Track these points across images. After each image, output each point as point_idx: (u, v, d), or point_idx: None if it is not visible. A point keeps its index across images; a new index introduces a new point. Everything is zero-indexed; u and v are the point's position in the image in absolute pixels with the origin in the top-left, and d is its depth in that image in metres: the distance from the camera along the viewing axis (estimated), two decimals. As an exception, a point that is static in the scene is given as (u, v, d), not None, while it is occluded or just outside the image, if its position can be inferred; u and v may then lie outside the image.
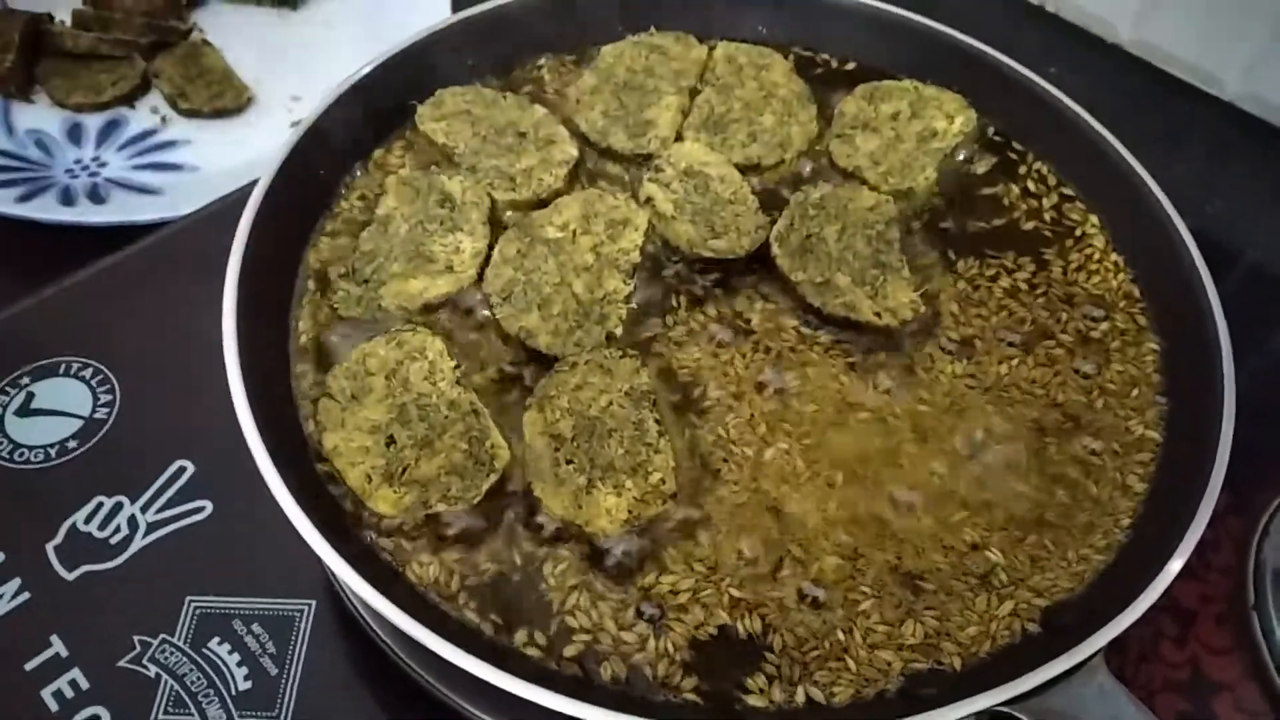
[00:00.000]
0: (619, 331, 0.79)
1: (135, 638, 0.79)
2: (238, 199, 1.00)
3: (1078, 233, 0.91)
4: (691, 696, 0.66)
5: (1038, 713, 0.61)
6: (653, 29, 1.02)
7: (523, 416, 0.74)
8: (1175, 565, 0.66)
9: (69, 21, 1.29)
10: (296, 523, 0.64)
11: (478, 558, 0.70)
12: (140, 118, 1.24)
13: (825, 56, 1.04)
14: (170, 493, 0.86)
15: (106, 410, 0.91)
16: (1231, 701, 0.79)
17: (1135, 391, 0.81)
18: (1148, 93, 1.33)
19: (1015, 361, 0.82)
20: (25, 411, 0.91)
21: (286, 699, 0.77)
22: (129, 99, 1.25)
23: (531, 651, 0.67)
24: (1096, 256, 0.89)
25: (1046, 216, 0.92)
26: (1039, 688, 0.61)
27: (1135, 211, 0.89)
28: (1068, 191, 0.94)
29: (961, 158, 0.96)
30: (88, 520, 0.85)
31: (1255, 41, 1.24)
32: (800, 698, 0.65)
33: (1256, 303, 1.07)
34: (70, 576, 0.82)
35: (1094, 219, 0.92)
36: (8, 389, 0.92)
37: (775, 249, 0.85)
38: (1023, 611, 0.70)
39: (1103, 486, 0.76)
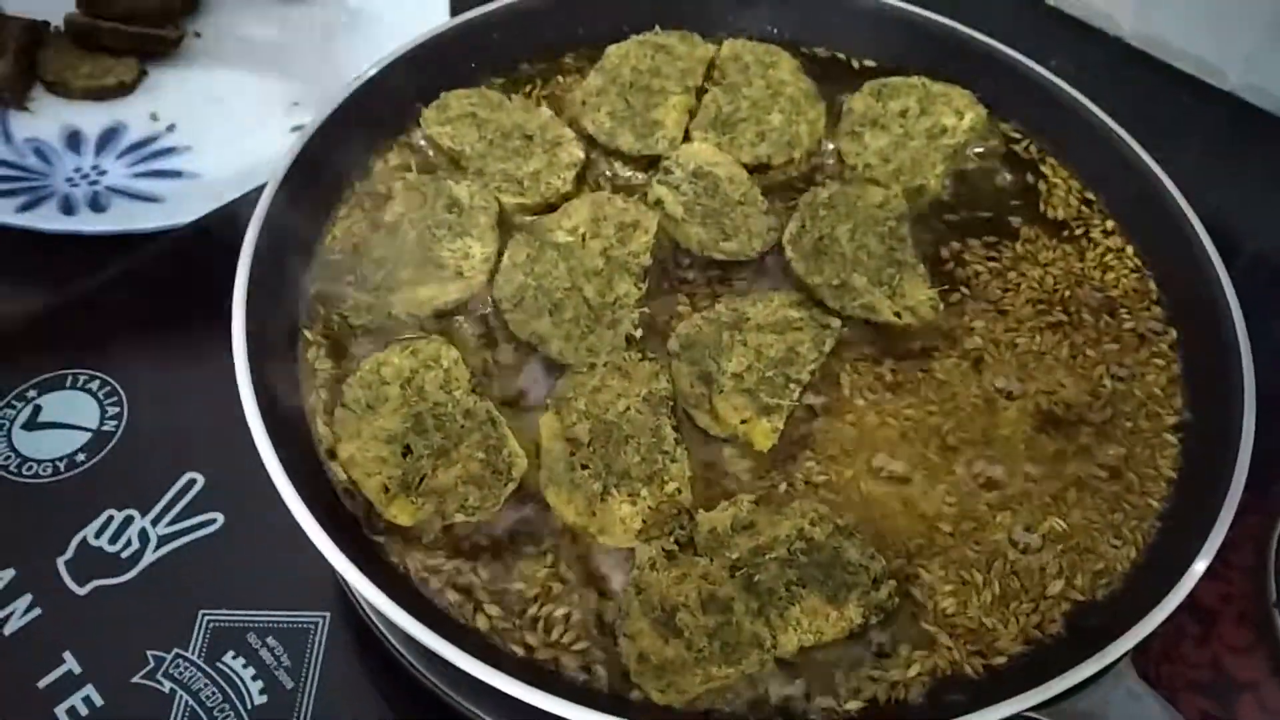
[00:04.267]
0: (639, 334, 0.79)
1: (149, 653, 0.78)
2: (240, 206, 0.99)
3: (1092, 229, 0.91)
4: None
5: (1066, 716, 0.61)
6: (657, 28, 1.02)
7: (540, 419, 0.74)
8: (1200, 565, 0.66)
9: (63, 27, 1.28)
10: (310, 533, 0.63)
11: (494, 566, 0.69)
12: (140, 125, 1.22)
13: (832, 53, 1.03)
14: (181, 505, 0.85)
15: (115, 423, 0.90)
16: (1255, 701, 0.79)
17: (1155, 391, 0.80)
18: (1149, 85, 1.32)
19: (1032, 365, 0.81)
20: (33, 425, 0.90)
21: (303, 712, 0.76)
22: (130, 88, 1.24)
23: (545, 656, 0.66)
24: (1112, 254, 0.89)
25: (1061, 213, 0.92)
26: (1068, 691, 0.61)
27: (1147, 205, 0.88)
28: (1080, 186, 0.93)
29: (974, 153, 0.95)
30: (98, 534, 0.84)
31: (1255, 33, 1.24)
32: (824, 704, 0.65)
33: (1261, 293, 1.07)
34: (82, 591, 0.81)
35: (1108, 215, 0.91)
36: (14, 403, 0.91)
37: (789, 252, 0.84)
38: (1047, 614, 0.69)
39: (1124, 488, 0.75)
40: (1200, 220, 0.85)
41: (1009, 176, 0.94)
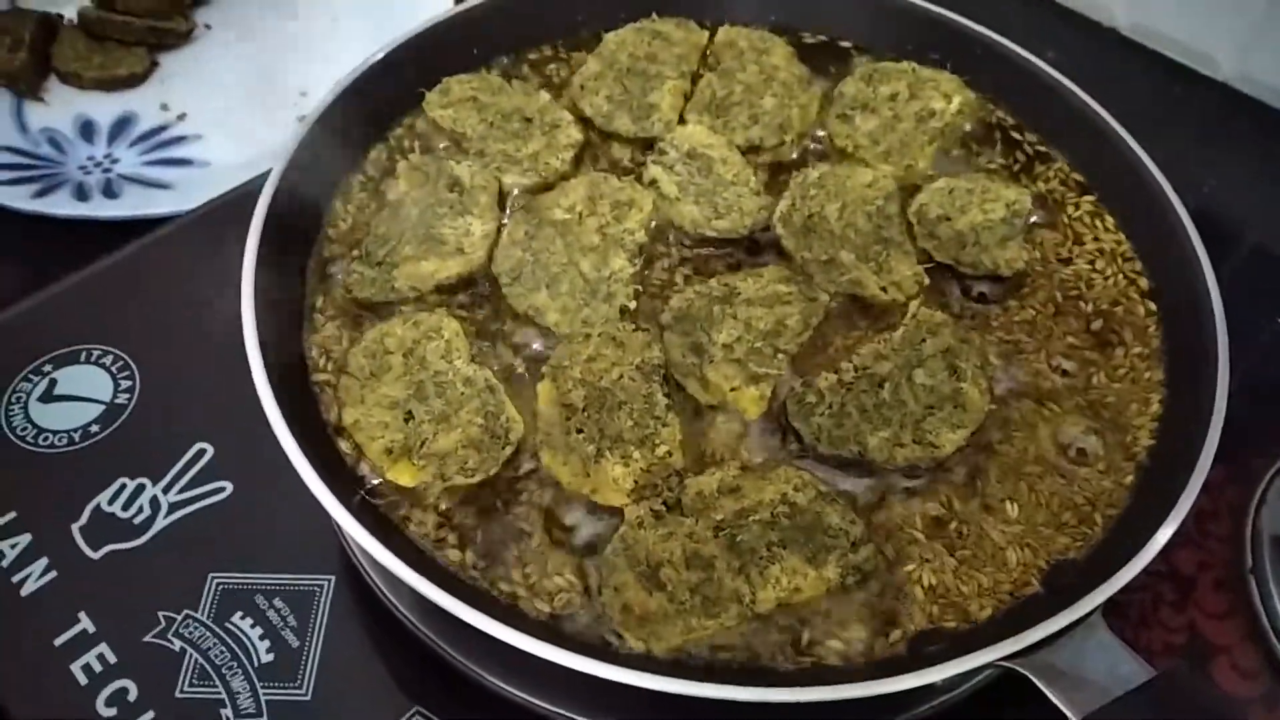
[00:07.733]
0: (633, 305, 0.82)
1: (160, 613, 0.81)
2: (248, 190, 1.02)
3: (1076, 210, 0.93)
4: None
5: (1041, 667, 0.63)
6: (654, 15, 1.04)
7: (537, 387, 0.76)
8: (1170, 526, 0.68)
9: (76, 20, 1.31)
10: (313, 488, 0.66)
11: (488, 523, 0.72)
12: (151, 114, 1.25)
13: (824, 39, 1.06)
14: (191, 474, 0.88)
15: (127, 396, 0.93)
16: (1229, 663, 0.81)
17: (1135, 366, 0.83)
18: (1143, 75, 1.34)
19: (1013, 340, 0.83)
20: (48, 398, 0.93)
21: (308, 670, 0.79)
22: (141, 79, 1.28)
23: (531, 605, 0.69)
24: (1099, 232, 0.91)
25: (1046, 195, 0.94)
26: (1041, 643, 0.63)
27: (1132, 188, 0.90)
28: (1066, 169, 0.96)
29: (961, 136, 0.97)
30: (111, 501, 0.87)
31: (1248, 23, 1.26)
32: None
33: (1254, 280, 1.09)
34: (96, 555, 0.84)
35: (1092, 196, 0.93)
36: (31, 376, 0.94)
37: (779, 229, 0.87)
38: (1023, 576, 0.72)
39: (1103, 458, 0.78)
40: (1193, 209, 0.87)
41: (997, 161, 0.96)
